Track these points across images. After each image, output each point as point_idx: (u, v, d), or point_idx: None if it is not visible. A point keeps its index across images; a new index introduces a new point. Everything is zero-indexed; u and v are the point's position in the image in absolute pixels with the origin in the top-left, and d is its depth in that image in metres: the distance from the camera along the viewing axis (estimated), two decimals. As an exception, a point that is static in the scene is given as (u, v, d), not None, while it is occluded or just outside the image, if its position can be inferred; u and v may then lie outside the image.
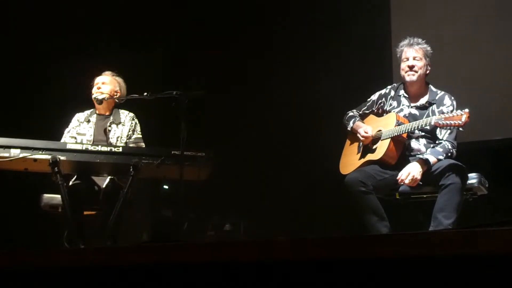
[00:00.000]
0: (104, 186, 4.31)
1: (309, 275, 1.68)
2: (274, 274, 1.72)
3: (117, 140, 4.48)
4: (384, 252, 1.58)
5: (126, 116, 4.63)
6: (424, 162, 3.79)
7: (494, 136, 5.20)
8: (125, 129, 4.56)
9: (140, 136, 4.60)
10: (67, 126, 4.60)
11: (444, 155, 3.83)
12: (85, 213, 4.35)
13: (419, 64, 4.03)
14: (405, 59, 4.07)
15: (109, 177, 4.32)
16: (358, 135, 4.10)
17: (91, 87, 4.61)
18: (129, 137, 4.55)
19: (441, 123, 3.64)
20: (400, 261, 1.57)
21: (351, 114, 4.29)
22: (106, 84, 4.58)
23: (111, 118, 4.58)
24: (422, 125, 3.79)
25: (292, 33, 5.93)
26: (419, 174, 3.75)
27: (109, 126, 4.53)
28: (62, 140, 4.48)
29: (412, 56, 4.04)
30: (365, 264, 1.62)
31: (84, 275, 2.03)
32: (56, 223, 4.44)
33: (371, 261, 1.61)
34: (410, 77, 4.04)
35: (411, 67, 4.03)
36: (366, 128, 4.08)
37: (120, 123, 4.56)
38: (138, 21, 6.15)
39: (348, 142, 4.32)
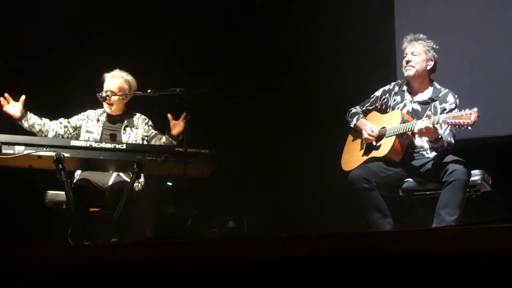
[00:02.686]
0: (111, 183, 4.33)
1: (310, 271, 1.69)
2: (275, 270, 1.72)
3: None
4: (387, 249, 1.58)
5: (138, 118, 4.65)
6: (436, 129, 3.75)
7: (498, 132, 5.18)
8: (139, 132, 4.58)
9: (156, 132, 4.63)
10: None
11: (449, 141, 3.83)
12: (90, 209, 4.37)
13: (416, 59, 4.05)
14: (405, 55, 4.10)
15: (116, 173, 4.34)
16: (364, 132, 4.10)
17: (101, 83, 4.62)
18: (149, 137, 4.58)
19: (449, 121, 3.63)
20: (403, 258, 1.57)
21: (354, 111, 4.29)
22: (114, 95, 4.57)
23: (125, 121, 4.60)
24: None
25: (297, 30, 5.92)
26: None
27: (124, 129, 4.55)
28: (70, 119, 4.54)
29: (410, 51, 4.07)
30: (367, 260, 1.62)
31: (88, 272, 2.04)
32: (61, 219, 4.46)
33: (373, 258, 1.61)
34: (407, 72, 4.08)
35: (407, 62, 4.06)
36: (372, 126, 4.07)
37: (134, 126, 4.59)
38: (143, 18, 6.15)
39: (350, 138, 4.32)
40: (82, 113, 4.64)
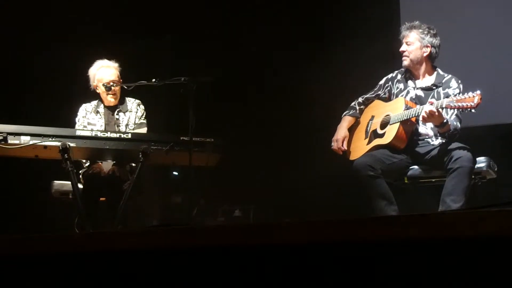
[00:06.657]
0: (107, 172, 4.32)
1: (313, 257, 1.69)
2: (278, 257, 1.73)
3: (126, 128, 4.51)
4: (390, 234, 1.58)
5: (132, 103, 4.64)
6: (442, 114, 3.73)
7: (504, 120, 5.15)
8: (132, 115, 4.58)
9: (145, 121, 4.62)
10: (75, 116, 4.62)
11: (455, 125, 3.81)
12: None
13: (410, 48, 4.05)
14: (401, 45, 4.10)
15: (112, 163, 4.33)
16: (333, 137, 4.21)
17: (87, 77, 4.63)
18: (135, 123, 4.57)
19: (453, 105, 3.61)
20: (406, 243, 1.57)
21: (352, 104, 4.30)
22: (115, 81, 4.57)
23: (119, 107, 4.59)
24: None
25: (303, 24, 5.90)
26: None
27: (117, 114, 4.55)
28: (78, 122, 4.55)
29: (405, 41, 4.07)
30: (371, 246, 1.62)
31: (93, 259, 2.05)
32: (67, 209, 4.48)
33: (377, 243, 1.61)
34: (403, 62, 4.09)
35: (402, 52, 4.08)
36: (339, 138, 4.18)
37: (127, 110, 4.59)
38: (147, 7, 6.15)
39: (355, 127, 4.31)
40: (80, 110, 4.62)
